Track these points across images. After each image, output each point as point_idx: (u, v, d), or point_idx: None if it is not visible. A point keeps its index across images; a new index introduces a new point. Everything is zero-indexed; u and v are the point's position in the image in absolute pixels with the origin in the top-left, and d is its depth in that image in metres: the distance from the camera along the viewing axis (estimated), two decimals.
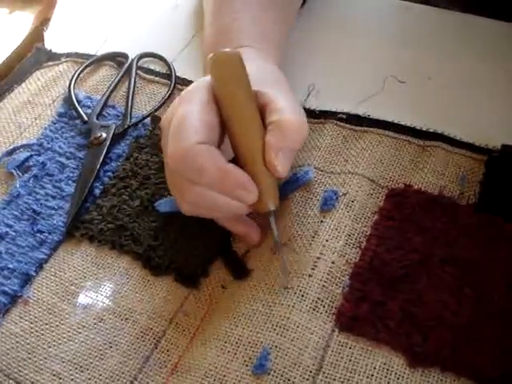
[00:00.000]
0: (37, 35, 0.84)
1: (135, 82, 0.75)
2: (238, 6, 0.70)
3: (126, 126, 0.70)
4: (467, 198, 0.59)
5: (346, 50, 0.76)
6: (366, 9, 0.82)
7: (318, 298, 0.53)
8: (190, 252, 0.59)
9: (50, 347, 0.55)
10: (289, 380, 0.49)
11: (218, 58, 0.56)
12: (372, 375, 0.49)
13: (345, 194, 0.59)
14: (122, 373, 0.53)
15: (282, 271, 0.54)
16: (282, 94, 0.57)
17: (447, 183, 0.60)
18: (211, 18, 0.72)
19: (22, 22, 0.85)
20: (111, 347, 0.54)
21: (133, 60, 0.77)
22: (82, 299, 0.57)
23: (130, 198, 0.63)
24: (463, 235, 0.56)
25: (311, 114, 0.68)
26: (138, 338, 0.55)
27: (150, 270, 0.59)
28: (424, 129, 0.65)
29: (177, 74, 0.75)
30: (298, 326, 0.51)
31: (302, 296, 0.53)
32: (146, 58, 0.79)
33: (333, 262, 0.55)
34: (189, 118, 0.53)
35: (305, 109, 0.68)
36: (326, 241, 0.56)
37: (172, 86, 0.74)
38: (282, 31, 0.72)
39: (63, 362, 0.54)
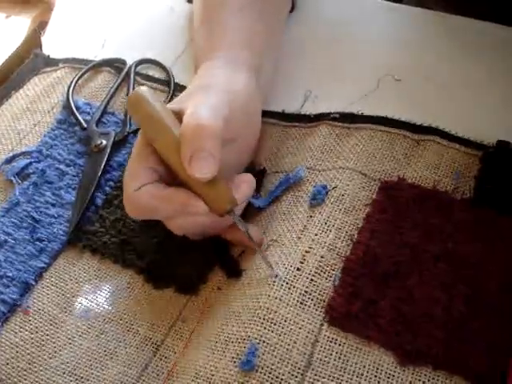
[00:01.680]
0: (34, 40, 0.83)
1: (134, 88, 0.74)
2: (218, 10, 0.70)
3: (125, 133, 0.69)
4: (461, 192, 0.58)
5: (342, 55, 0.76)
6: (365, 12, 0.82)
7: (306, 291, 0.52)
8: (189, 263, 0.59)
9: (50, 358, 0.55)
10: (277, 377, 0.47)
11: (129, 102, 0.59)
12: (362, 374, 0.48)
13: (334, 188, 0.58)
14: (122, 382, 0.53)
15: (265, 264, 0.54)
16: (193, 100, 0.57)
17: (441, 178, 0.59)
18: (198, 22, 0.72)
19: (19, 26, 0.85)
20: (111, 358, 0.54)
21: (131, 66, 0.77)
22: (83, 310, 0.57)
23: None
24: (457, 230, 0.55)
25: (306, 119, 0.68)
26: (137, 348, 0.55)
27: (153, 283, 0.59)
28: (418, 123, 0.64)
29: (175, 81, 0.75)
30: (285, 320, 0.50)
31: (289, 289, 0.52)
32: (144, 64, 0.78)
33: (322, 256, 0.54)
34: (127, 168, 0.57)
35: (300, 115, 0.69)
36: (315, 235, 0.55)
37: (171, 92, 0.73)
38: (267, 33, 0.71)
39: (64, 373, 0.53)
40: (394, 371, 0.48)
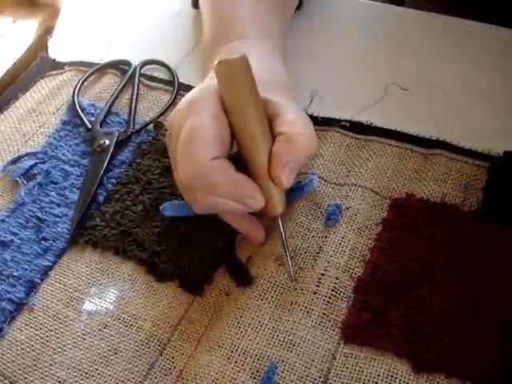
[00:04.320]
0: (41, 44, 0.84)
1: (138, 89, 0.75)
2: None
3: (129, 133, 0.70)
4: (469, 204, 0.59)
5: (347, 56, 0.76)
6: (368, 15, 0.82)
7: (324, 314, 0.53)
8: (193, 258, 0.59)
9: (55, 354, 0.55)
10: None
11: (224, 67, 0.53)
12: (376, 382, 0.49)
13: (348, 208, 0.59)
14: (128, 379, 0.53)
15: (288, 269, 0.56)
16: (290, 104, 0.57)
17: (449, 191, 0.60)
18: (209, 12, 0.72)
19: (26, 30, 0.85)
20: (116, 354, 0.54)
21: (136, 67, 0.77)
22: (87, 306, 0.58)
23: (132, 203, 0.64)
24: (465, 241, 0.56)
25: (314, 120, 0.67)
26: (142, 345, 0.55)
27: (154, 276, 0.59)
28: (426, 136, 0.65)
29: (180, 81, 0.75)
30: (304, 341, 0.52)
31: (308, 312, 0.54)
32: (149, 66, 0.79)
33: (337, 278, 0.55)
34: (200, 132, 0.52)
35: (308, 115, 0.69)
36: (331, 257, 0.57)
37: (175, 92, 0.74)
38: (282, 23, 0.72)
39: (68, 368, 0.54)
40: (408, 379, 0.49)
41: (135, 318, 0.56)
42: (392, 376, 0.49)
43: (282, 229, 0.56)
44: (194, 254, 0.59)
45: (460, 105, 0.68)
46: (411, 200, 0.60)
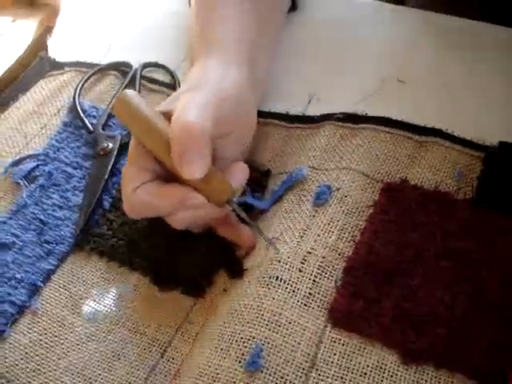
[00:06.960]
0: (40, 44, 0.84)
1: (139, 91, 0.75)
2: (210, 4, 0.70)
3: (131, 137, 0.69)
4: (464, 193, 0.59)
5: (342, 54, 0.76)
6: (363, 11, 0.83)
7: (310, 293, 0.52)
8: (198, 268, 0.59)
9: (59, 359, 0.55)
10: (282, 378, 0.48)
11: (115, 105, 0.58)
12: (365, 373, 0.49)
13: (338, 189, 0.59)
14: (129, 383, 0.53)
15: (268, 242, 0.57)
16: (180, 101, 0.57)
17: (444, 179, 0.60)
18: (193, 18, 0.73)
19: (26, 30, 0.85)
20: (119, 359, 0.55)
21: (136, 69, 0.77)
22: (91, 312, 0.58)
23: None
24: (459, 230, 0.56)
25: (310, 120, 0.69)
26: (145, 349, 0.55)
27: (159, 286, 0.59)
28: (422, 125, 0.65)
29: (180, 84, 0.75)
30: (289, 322, 0.51)
31: (293, 291, 0.53)
32: (150, 68, 0.79)
33: (323, 257, 0.54)
34: (123, 170, 0.58)
35: (304, 116, 0.69)
36: (318, 235, 0.56)
37: None
38: (260, 26, 0.71)
39: (72, 374, 0.54)
40: (397, 370, 0.49)
41: (139, 325, 0.57)
42: (381, 367, 0.49)
43: (238, 211, 0.57)
44: (199, 264, 0.59)
45: (456, 95, 0.69)
46: (405, 185, 0.59)
